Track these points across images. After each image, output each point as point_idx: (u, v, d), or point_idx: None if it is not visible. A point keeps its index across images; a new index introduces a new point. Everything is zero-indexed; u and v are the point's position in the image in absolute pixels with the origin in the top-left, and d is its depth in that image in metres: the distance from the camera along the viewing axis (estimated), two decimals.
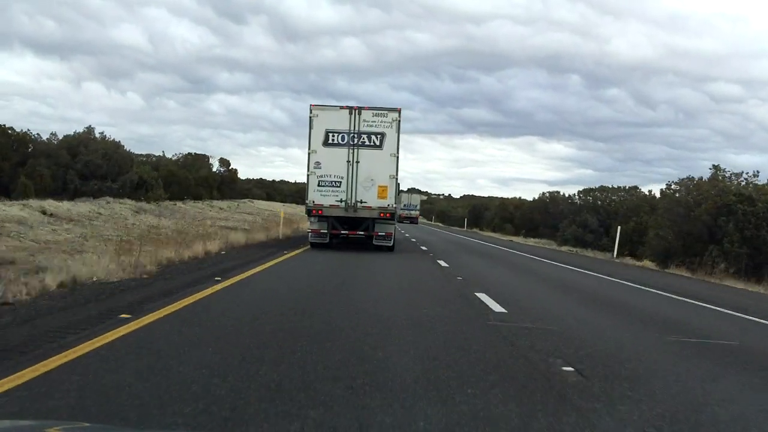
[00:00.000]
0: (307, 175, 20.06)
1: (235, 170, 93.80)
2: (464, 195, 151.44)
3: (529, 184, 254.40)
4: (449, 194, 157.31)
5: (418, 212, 78.28)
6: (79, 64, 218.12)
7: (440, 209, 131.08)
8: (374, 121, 19.85)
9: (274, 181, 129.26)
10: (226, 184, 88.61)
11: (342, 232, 20.42)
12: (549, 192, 68.93)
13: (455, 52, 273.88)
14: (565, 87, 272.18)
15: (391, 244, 20.87)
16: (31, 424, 2.60)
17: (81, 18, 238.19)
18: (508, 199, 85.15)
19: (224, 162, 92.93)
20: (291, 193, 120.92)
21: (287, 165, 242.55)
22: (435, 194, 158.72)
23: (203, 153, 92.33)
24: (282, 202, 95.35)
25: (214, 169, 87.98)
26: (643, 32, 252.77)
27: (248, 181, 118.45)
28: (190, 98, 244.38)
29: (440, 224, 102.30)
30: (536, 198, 71.92)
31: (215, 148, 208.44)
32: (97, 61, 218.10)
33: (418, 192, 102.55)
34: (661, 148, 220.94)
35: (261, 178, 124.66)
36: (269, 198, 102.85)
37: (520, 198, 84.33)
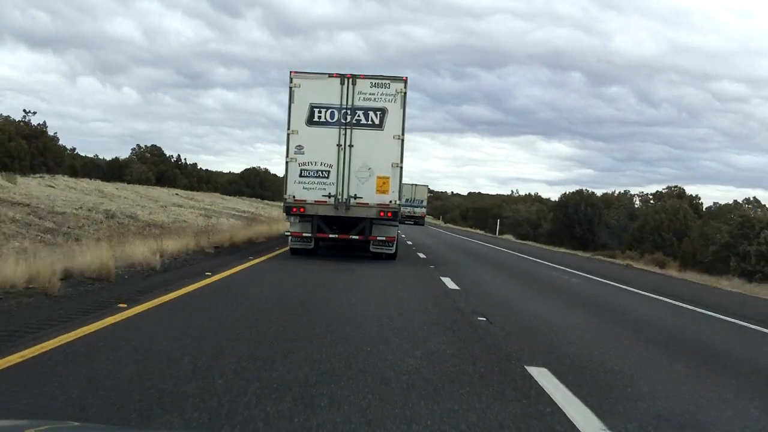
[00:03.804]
0: (286, 162, 15.63)
1: None
2: (470, 193, 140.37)
3: (528, 183, 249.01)
4: (455, 192, 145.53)
5: (424, 210, 58.16)
6: (73, 58, 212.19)
7: (482, 206, 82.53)
8: (373, 94, 15.44)
9: (208, 170, 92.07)
10: None
11: (330, 235, 15.99)
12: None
13: (455, 48, 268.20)
14: (567, 84, 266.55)
15: (392, 251, 16.45)
16: (17, 424, 2.40)
17: (74, 11, 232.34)
18: None
19: None
20: (233, 180, 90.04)
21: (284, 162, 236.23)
22: (438, 192, 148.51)
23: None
24: (196, 190, 65.41)
25: None
26: (647, 28, 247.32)
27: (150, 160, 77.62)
28: (186, 94, 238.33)
29: (529, 242, 48.39)
30: None
31: (212, 144, 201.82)
32: (92, 55, 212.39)
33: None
34: (662, 147, 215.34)
35: (159, 149, 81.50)
36: (160, 182, 67.98)
37: None
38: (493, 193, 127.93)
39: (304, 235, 15.80)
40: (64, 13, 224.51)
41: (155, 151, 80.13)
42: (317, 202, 15.46)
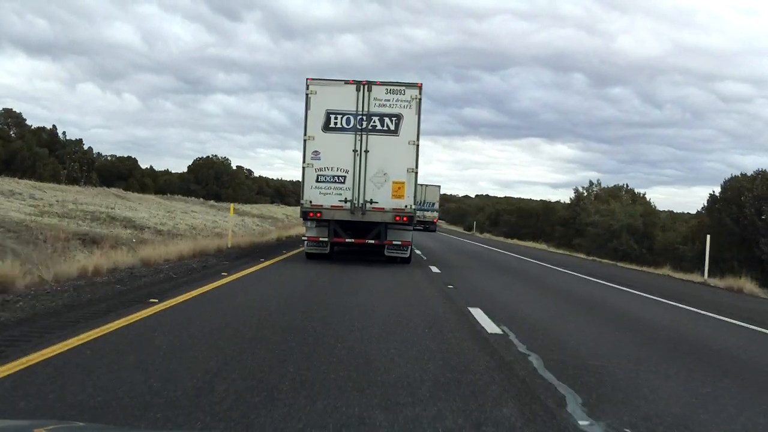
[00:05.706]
0: (303, 168, 15.87)
1: None
2: (477, 195, 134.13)
3: (532, 186, 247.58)
4: (465, 195, 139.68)
5: (435, 214, 51.06)
6: (73, 65, 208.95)
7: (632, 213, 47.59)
8: (388, 100, 15.69)
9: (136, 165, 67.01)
10: None
11: (346, 239, 16.24)
12: None
13: (457, 50, 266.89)
14: (569, 86, 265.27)
15: (407, 255, 16.72)
16: (22, 424, 2.41)
17: (72, 16, 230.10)
18: None
19: None
20: (184, 177, 65.65)
21: (287, 167, 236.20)
22: (443, 195, 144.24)
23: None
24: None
25: None
26: (651, 28, 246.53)
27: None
28: (186, 99, 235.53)
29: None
30: None
31: (214, 150, 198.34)
32: (91, 61, 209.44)
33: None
34: (666, 149, 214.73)
35: (19, 117, 53.90)
36: (9, 167, 43.05)
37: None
38: (500, 195, 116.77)
39: (320, 239, 16.04)
40: (62, 18, 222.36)
41: (13, 119, 51.97)
42: (333, 207, 15.70)
